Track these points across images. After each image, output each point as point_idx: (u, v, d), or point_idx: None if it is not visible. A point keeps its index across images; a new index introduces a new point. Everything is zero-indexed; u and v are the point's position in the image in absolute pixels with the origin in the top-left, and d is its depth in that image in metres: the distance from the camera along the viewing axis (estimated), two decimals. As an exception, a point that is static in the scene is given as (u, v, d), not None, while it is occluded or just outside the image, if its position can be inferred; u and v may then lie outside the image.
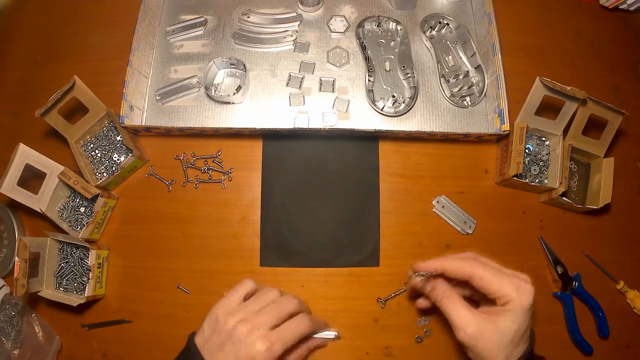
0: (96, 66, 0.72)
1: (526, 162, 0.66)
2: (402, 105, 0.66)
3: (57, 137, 0.65)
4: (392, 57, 0.69)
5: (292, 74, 0.68)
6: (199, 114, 0.67)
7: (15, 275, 0.55)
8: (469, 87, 0.68)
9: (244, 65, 0.68)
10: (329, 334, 0.59)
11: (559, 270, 0.64)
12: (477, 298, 0.52)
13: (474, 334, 0.45)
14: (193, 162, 0.68)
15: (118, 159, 0.67)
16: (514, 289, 0.45)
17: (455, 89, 0.68)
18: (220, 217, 0.66)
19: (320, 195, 0.66)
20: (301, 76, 0.68)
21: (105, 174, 0.66)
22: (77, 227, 0.64)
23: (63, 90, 0.60)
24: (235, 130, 0.65)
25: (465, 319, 0.46)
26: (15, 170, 0.60)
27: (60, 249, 0.64)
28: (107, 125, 0.68)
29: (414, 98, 0.66)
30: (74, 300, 0.60)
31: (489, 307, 0.48)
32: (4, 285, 0.65)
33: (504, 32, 0.66)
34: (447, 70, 0.69)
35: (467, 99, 0.67)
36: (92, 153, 0.67)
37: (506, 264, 0.64)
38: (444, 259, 0.50)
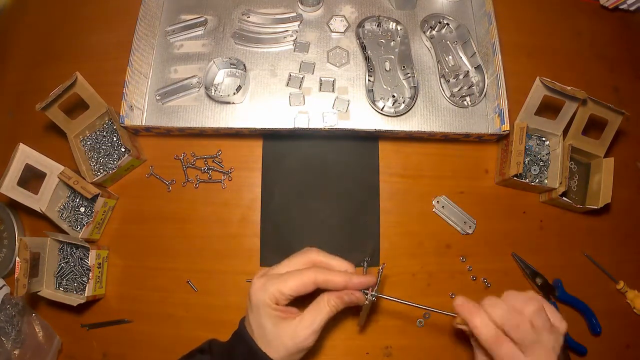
0: (96, 66, 0.72)
1: (526, 162, 0.66)
2: (402, 105, 0.66)
3: (57, 136, 0.65)
4: (392, 57, 0.69)
5: (292, 74, 0.68)
6: (199, 114, 0.67)
7: (16, 276, 0.55)
8: (469, 87, 0.68)
9: (244, 65, 0.68)
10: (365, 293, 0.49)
11: (538, 282, 0.63)
12: None
13: None
14: (193, 162, 0.68)
15: (116, 157, 0.67)
16: None
17: (455, 89, 0.68)
18: (220, 217, 0.66)
19: (320, 196, 0.66)
20: (301, 76, 0.68)
21: (102, 171, 0.66)
22: (77, 227, 0.64)
23: (65, 85, 0.60)
24: (235, 130, 0.65)
25: None
26: (15, 170, 0.60)
27: (60, 249, 0.64)
28: (106, 122, 0.68)
29: (414, 98, 0.66)
30: (74, 300, 0.60)
31: None
32: (4, 285, 0.65)
33: (504, 32, 0.66)
34: (447, 70, 0.69)
35: (467, 99, 0.67)
36: (91, 149, 0.67)
37: (506, 264, 0.65)
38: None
